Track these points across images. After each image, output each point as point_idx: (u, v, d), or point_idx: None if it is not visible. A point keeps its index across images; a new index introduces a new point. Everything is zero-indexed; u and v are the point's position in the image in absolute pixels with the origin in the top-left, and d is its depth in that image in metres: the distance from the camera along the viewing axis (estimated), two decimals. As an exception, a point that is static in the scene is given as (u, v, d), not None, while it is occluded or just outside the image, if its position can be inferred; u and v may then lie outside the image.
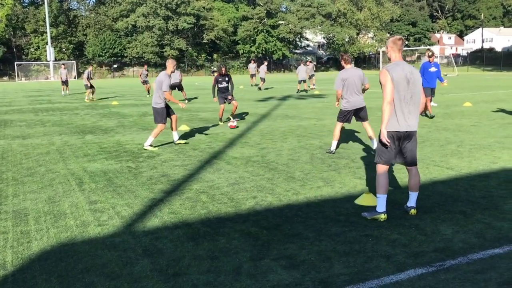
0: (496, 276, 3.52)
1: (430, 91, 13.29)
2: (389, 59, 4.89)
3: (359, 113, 8.35)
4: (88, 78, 22.48)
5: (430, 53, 13.47)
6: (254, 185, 6.28)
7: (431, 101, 13.88)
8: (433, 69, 13.31)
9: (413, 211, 4.97)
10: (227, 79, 12.61)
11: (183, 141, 9.75)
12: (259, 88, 28.33)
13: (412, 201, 5.00)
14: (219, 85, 12.57)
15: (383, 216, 4.79)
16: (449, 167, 7.07)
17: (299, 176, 6.74)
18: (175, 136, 9.64)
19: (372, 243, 4.21)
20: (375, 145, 7.91)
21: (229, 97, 12.59)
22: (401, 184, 6.16)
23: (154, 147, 9.26)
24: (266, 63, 32.80)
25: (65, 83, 26.97)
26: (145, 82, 24.76)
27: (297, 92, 24.65)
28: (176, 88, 20.28)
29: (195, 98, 22.46)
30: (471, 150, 8.27)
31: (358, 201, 5.38)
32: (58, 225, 4.86)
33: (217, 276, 3.63)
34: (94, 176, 7.00)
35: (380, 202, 4.83)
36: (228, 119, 12.92)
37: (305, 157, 8.07)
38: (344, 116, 8.34)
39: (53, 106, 19.85)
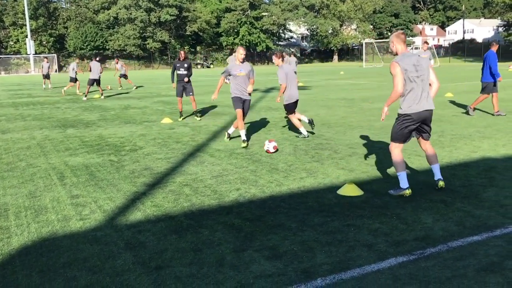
0: (475, 262, 3.58)
1: None
2: (396, 54, 5.27)
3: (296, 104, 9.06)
4: (75, 71, 22.45)
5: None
6: (237, 177, 6.28)
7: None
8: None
9: (441, 183, 5.33)
10: (186, 65, 11.79)
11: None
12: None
13: (437, 173, 5.40)
14: (177, 71, 11.82)
15: (408, 192, 5.18)
16: (430, 156, 7.15)
17: (283, 167, 6.76)
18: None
19: (354, 232, 4.25)
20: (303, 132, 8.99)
21: (190, 93, 11.93)
22: (382, 175, 6.22)
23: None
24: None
25: (46, 76, 26.56)
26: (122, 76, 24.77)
27: None
28: (95, 83, 19.54)
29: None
30: (452, 140, 8.38)
31: (341, 192, 5.42)
32: (39, 220, 4.80)
33: (200, 268, 3.63)
34: (75, 170, 6.93)
35: (402, 179, 5.23)
36: (194, 114, 12.49)
37: (288, 148, 8.09)
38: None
39: (33, 100, 19.54)
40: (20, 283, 3.46)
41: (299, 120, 9.10)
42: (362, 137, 9.01)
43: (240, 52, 8.47)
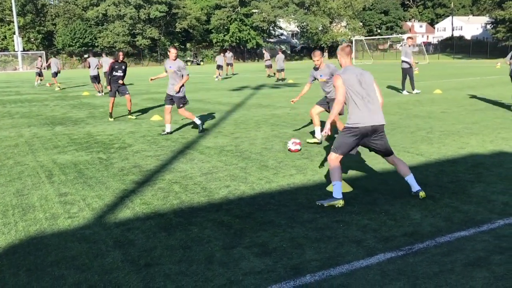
0: (462, 257, 3.61)
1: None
2: (341, 66, 5.24)
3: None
4: (57, 67, 22.49)
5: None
6: (227, 174, 6.27)
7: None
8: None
9: (421, 194, 5.02)
10: (123, 67, 11.86)
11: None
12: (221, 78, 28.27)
13: (414, 185, 5.09)
14: (114, 72, 11.81)
15: (341, 202, 4.84)
16: (419, 153, 7.20)
17: (272, 164, 6.76)
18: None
19: (343, 228, 4.27)
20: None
21: (126, 92, 12.02)
22: (371, 172, 6.25)
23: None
24: (228, 51, 32.07)
25: (40, 74, 26.57)
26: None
27: (276, 81, 24.67)
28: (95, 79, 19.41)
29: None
30: (441, 136, 8.45)
31: (330, 188, 5.43)
32: (26, 218, 4.76)
33: (189, 265, 3.63)
34: (64, 168, 6.88)
35: (336, 189, 4.90)
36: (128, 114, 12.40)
37: (278, 145, 8.10)
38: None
39: (21, 98, 19.35)
40: (7, 282, 3.42)
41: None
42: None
43: (172, 51, 9.28)
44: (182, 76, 9.28)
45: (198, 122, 9.66)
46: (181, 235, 4.22)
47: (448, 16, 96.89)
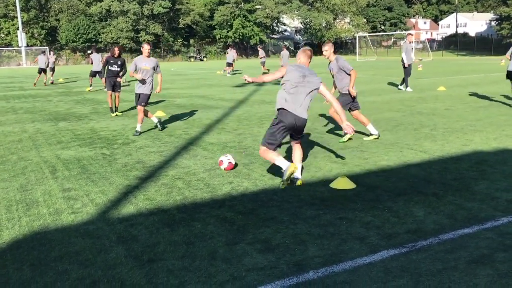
0: (466, 255, 3.61)
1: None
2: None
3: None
4: (49, 62, 22.70)
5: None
6: (230, 171, 6.27)
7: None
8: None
9: (299, 182, 5.38)
10: (119, 63, 11.80)
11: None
12: (228, 73, 28.16)
13: (298, 172, 5.49)
14: (109, 67, 11.86)
15: (292, 167, 5.11)
16: (423, 150, 7.18)
17: (275, 161, 6.75)
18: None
19: (346, 225, 4.27)
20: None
21: (118, 89, 11.95)
22: (374, 169, 6.24)
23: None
24: (231, 48, 31.81)
25: (52, 69, 26.68)
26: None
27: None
28: (97, 75, 19.17)
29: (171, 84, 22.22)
30: (444, 133, 8.42)
31: (333, 185, 5.43)
32: (30, 214, 4.77)
33: (192, 261, 3.63)
34: (67, 164, 6.89)
35: (281, 162, 5.24)
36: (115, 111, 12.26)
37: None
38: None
39: (25, 93, 19.38)
40: (11, 277, 3.44)
41: None
42: (355, 130, 9.01)
43: (145, 47, 9.06)
44: (158, 74, 9.26)
45: (155, 120, 9.46)
46: (184, 231, 4.23)
47: (453, 12, 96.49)
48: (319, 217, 4.49)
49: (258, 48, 32.88)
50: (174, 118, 11.21)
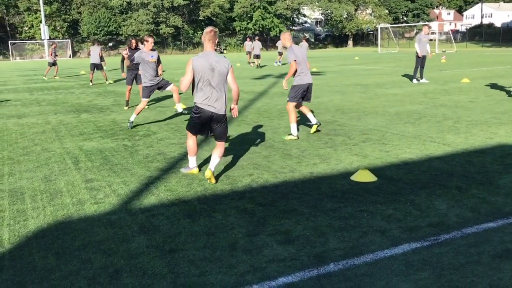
0: (489, 249, 3.55)
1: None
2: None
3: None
4: (54, 55, 22.79)
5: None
6: (250, 163, 6.28)
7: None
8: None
9: (209, 176, 5.31)
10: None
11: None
12: (257, 66, 28.03)
13: (212, 164, 5.44)
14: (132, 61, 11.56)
15: (195, 171, 5.74)
16: (446, 143, 7.07)
17: (296, 153, 6.74)
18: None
19: (367, 218, 4.24)
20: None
21: (140, 81, 11.09)
22: (396, 161, 6.17)
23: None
24: (257, 39, 31.34)
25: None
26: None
27: None
28: (95, 68, 19.14)
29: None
30: (468, 126, 8.27)
31: (354, 177, 5.39)
32: (54, 203, 4.86)
33: (213, 251, 3.66)
34: (90, 155, 6.99)
35: (191, 161, 5.81)
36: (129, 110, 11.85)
37: (301, 134, 8.06)
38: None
39: (48, 85, 19.70)
40: (36, 264, 3.52)
41: (304, 114, 8.07)
42: (376, 123, 8.93)
43: (150, 41, 9.12)
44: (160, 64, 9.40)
45: (132, 118, 9.19)
46: (205, 222, 4.26)
47: (477, 3, 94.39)
48: (339, 210, 4.46)
49: (247, 40, 32.17)
50: (194, 110, 11.24)
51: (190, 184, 5.41)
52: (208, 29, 5.36)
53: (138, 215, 4.47)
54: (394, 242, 3.72)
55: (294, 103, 7.71)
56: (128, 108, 12.04)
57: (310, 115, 7.96)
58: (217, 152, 5.50)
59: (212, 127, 5.52)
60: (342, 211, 4.42)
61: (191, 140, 5.76)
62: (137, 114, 9.11)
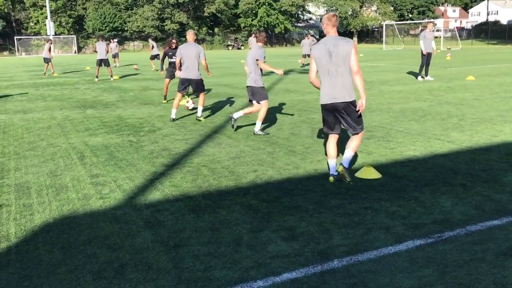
0: (494, 246, 3.55)
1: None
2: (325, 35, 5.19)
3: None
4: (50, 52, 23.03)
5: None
6: (254, 159, 6.29)
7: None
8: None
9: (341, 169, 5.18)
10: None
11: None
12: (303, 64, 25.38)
13: (345, 161, 5.23)
14: (170, 59, 12.20)
15: (331, 179, 5.22)
16: (450, 140, 7.06)
17: (300, 150, 6.75)
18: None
19: (372, 215, 4.24)
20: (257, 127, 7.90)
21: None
22: (400, 158, 6.17)
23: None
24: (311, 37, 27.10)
25: (115, 55, 27.90)
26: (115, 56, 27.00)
27: (301, 67, 24.44)
28: (103, 63, 19.14)
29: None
30: (473, 124, 8.25)
31: (359, 174, 5.39)
32: (60, 198, 4.90)
33: (217, 247, 3.68)
34: (95, 150, 7.03)
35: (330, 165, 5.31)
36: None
37: (306, 131, 8.06)
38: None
39: (53, 81, 19.77)
40: (42, 259, 3.55)
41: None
42: (381, 120, 8.92)
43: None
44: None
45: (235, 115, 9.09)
46: (209, 217, 4.28)
47: (483, 0, 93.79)
48: (344, 206, 4.47)
49: (149, 40, 27.26)
50: (199, 106, 11.26)
51: (195, 180, 5.43)
52: (331, 14, 5.07)
53: (143, 211, 4.50)
54: (398, 239, 3.72)
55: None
56: (167, 101, 12.20)
57: (242, 112, 8.08)
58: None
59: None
60: (346, 208, 4.43)
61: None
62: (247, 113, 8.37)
